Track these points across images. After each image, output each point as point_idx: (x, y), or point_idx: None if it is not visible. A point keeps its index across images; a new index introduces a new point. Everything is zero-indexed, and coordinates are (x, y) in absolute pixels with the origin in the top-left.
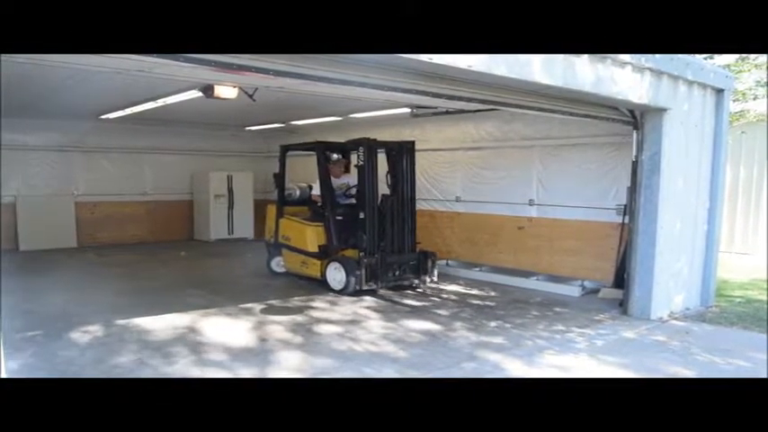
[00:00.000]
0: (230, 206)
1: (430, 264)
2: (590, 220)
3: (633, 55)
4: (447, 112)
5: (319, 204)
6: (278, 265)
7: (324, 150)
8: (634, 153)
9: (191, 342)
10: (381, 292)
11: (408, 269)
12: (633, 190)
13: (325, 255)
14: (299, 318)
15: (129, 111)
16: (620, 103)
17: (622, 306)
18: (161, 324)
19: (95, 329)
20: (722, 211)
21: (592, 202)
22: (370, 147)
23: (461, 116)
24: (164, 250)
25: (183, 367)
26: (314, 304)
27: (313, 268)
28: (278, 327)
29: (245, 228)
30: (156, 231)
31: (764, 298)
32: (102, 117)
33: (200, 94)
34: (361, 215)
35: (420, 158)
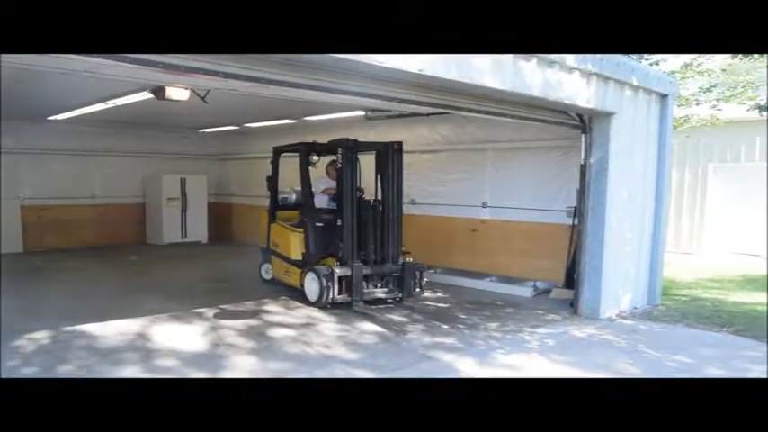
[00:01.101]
0: (184, 209)
1: (416, 276)
2: (541, 222)
3: (580, 61)
4: (401, 116)
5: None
6: (266, 271)
7: (307, 152)
8: (582, 156)
9: (140, 348)
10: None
11: (391, 282)
12: (582, 192)
13: (305, 263)
14: (252, 322)
15: (77, 112)
16: (568, 108)
17: (573, 306)
18: (110, 330)
19: (41, 337)
20: (667, 212)
21: (543, 204)
22: (349, 148)
23: (415, 119)
24: (114, 254)
25: (133, 374)
26: (267, 308)
27: (294, 277)
28: (230, 331)
29: (199, 231)
30: (107, 235)
31: (708, 297)
32: (50, 118)
33: (151, 95)
34: (339, 222)
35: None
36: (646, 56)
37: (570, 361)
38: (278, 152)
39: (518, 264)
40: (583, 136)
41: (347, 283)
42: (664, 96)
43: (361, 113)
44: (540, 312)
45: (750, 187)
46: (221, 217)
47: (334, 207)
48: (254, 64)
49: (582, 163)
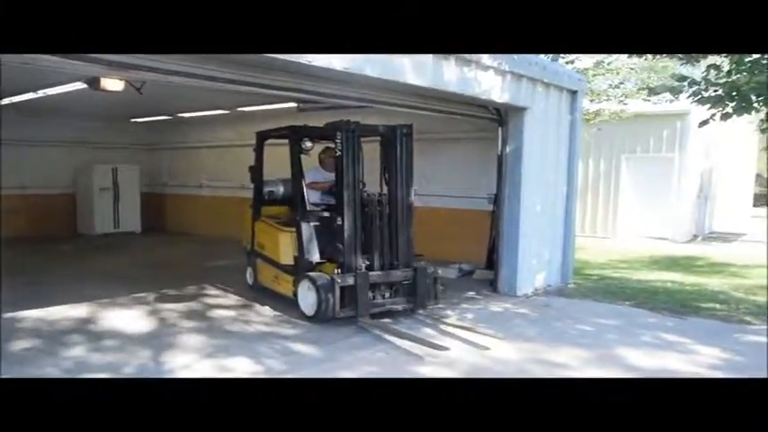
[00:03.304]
0: (116, 199)
1: (431, 283)
2: (466, 209)
3: (495, 59)
4: (332, 108)
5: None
6: (251, 276)
7: (298, 138)
8: (500, 147)
9: (86, 330)
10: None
11: (402, 291)
12: (500, 180)
13: (299, 269)
14: (192, 304)
15: (5, 101)
16: (485, 102)
17: (493, 285)
18: (54, 316)
19: None
20: (577, 198)
21: (467, 191)
22: (350, 131)
23: (347, 111)
24: (46, 245)
25: (81, 353)
26: (207, 292)
27: (285, 285)
28: (173, 313)
29: (132, 221)
30: (37, 226)
31: (617, 276)
32: None
33: (85, 86)
34: (339, 221)
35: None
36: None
37: (485, 331)
38: (262, 138)
39: (445, 248)
40: (500, 128)
41: (350, 294)
42: (574, 92)
43: (293, 105)
44: (463, 291)
45: (657, 176)
46: (155, 207)
47: (330, 202)
48: (193, 60)
49: (499, 154)
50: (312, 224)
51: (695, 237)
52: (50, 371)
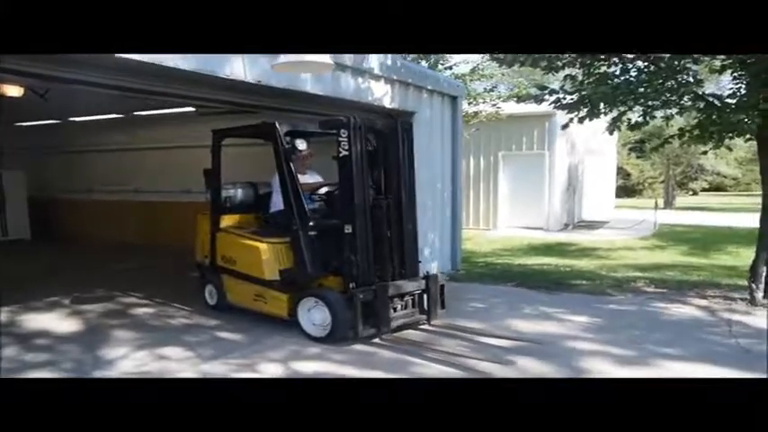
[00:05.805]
0: (2, 206)
1: (438, 290)
2: None
3: (385, 70)
4: (231, 112)
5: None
6: (211, 295)
7: (278, 136)
8: None
9: (11, 334)
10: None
11: (413, 301)
12: None
13: (293, 285)
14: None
15: None
16: (377, 109)
17: None
18: None
19: None
20: (467, 194)
21: None
22: (358, 128)
23: (246, 115)
24: None
25: (12, 353)
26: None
27: (275, 304)
28: (93, 314)
29: (20, 228)
30: None
31: (500, 262)
32: None
33: None
34: (347, 228)
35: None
36: (441, 60)
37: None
38: (219, 137)
39: None
40: None
41: (366, 310)
42: (454, 98)
43: (192, 109)
44: None
45: (531, 171)
46: (45, 213)
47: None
48: (90, 70)
49: None
50: (310, 233)
51: (566, 226)
52: None
